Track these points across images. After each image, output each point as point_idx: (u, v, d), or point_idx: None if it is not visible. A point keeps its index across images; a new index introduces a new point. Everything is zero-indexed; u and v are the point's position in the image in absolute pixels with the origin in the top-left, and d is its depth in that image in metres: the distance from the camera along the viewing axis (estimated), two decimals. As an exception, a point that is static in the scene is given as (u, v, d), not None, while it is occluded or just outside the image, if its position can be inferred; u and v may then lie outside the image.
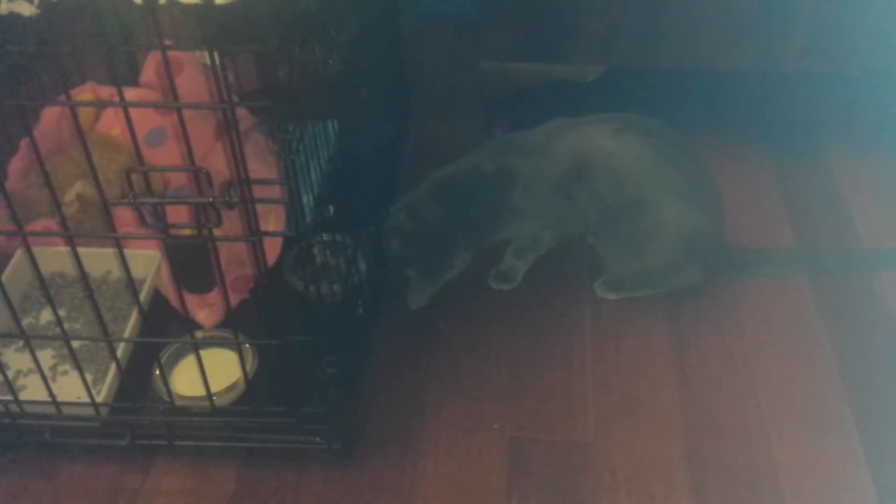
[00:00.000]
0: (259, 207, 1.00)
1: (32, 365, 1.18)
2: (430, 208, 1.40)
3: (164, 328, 1.35)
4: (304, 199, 1.37)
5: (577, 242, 1.52)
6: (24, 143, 1.47)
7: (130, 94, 1.49)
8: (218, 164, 1.43)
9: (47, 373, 1.24)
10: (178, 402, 1.22)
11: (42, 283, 1.11)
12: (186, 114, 0.94)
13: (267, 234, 1.07)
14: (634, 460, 1.24)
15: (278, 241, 1.41)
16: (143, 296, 1.31)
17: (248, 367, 1.22)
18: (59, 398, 1.19)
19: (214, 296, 1.37)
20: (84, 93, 1.51)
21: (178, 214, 1.03)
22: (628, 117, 1.43)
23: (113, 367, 1.23)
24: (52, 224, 1.37)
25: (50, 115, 1.48)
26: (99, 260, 1.39)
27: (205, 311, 1.35)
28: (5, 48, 0.92)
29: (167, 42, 0.97)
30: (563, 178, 1.40)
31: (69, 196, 1.39)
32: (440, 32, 2.08)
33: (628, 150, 1.38)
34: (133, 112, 0.95)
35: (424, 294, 1.45)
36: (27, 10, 0.89)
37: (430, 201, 1.41)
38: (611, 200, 1.39)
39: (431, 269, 1.43)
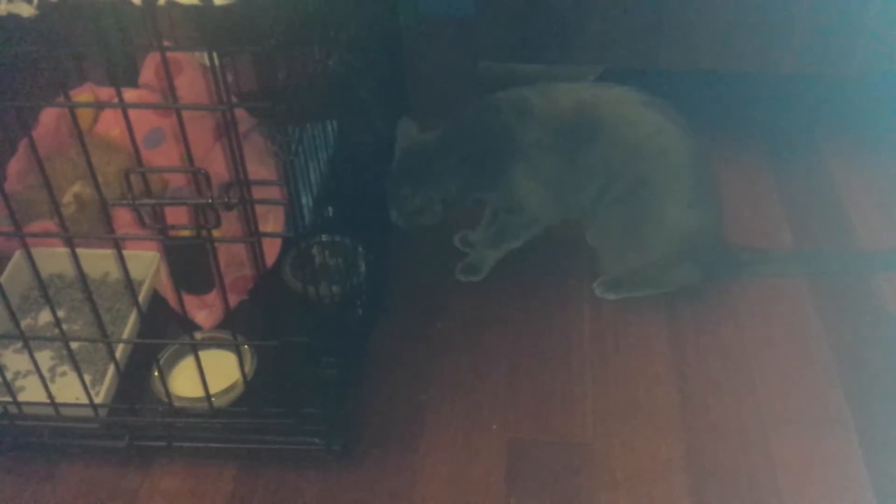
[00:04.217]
0: (258, 208, 1.00)
1: (31, 366, 1.18)
2: (437, 128, 1.44)
3: (163, 329, 1.35)
4: (303, 200, 1.37)
5: (576, 242, 1.52)
6: (22, 145, 1.47)
7: (129, 94, 1.49)
8: (217, 165, 1.43)
9: (46, 374, 1.24)
10: (176, 404, 1.21)
11: (41, 284, 1.11)
12: (185, 115, 0.94)
13: (266, 235, 1.07)
14: (633, 461, 1.24)
15: (277, 242, 1.41)
16: (141, 297, 1.31)
17: (247, 369, 1.22)
18: (58, 399, 1.19)
19: (213, 297, 1.37)
20: (83, 94, 1.51)
21: (176, 215, 1.03)
22: (656, 98, 1.39)
23: (112, 369, 1.23)
24: (50, 225, 1.37)
25: (49, 117, 1.48)
26: (98, 261, 1.39)
27: (204, 312, 1.35)
28: (4, 49, 0.92)
29: (166, 43, 0.97)
30: (575, 131, 1.36)
31: (67, 197, 1.39)
32: (440, 32, 2.08)
33: (650, 124, 1.36)
34: (132, 113, 0.95)
35: (435, 215, 1.43)
36: (26, 10, 0.89)
37: (443, 123, 1.45)
38: (616, 171, 1.36)
39: (423, 187, 1.42)
